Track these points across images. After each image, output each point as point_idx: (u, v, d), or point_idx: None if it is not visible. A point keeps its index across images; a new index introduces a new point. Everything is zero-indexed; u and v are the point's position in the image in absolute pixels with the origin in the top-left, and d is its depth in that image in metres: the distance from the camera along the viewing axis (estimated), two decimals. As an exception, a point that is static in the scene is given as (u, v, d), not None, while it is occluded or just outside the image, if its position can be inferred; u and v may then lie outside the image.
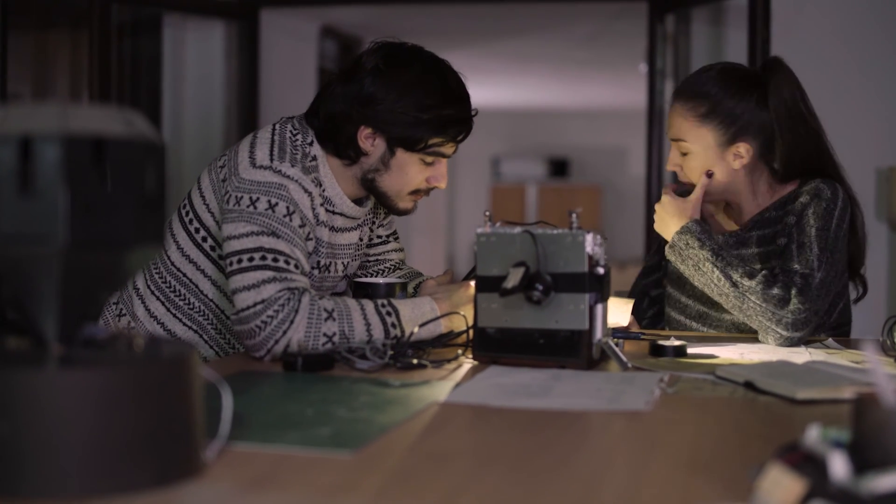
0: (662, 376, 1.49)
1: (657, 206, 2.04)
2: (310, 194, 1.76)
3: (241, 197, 1.71)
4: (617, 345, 1.61)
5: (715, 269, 1.88)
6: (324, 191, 1.82)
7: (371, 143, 1.80)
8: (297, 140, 1.81)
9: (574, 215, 1.55)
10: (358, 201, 1.90)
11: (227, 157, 1.82)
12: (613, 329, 1.87)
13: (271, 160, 1.75)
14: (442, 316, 1.71)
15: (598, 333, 1.58)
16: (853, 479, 0.77)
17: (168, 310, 1.90)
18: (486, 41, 6.78)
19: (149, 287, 1.91)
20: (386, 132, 1.79)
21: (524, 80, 8.73)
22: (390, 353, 1.56)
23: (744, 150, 1.98)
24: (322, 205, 1.82)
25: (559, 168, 10.95)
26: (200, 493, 0.88)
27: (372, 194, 1.88)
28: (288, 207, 1.71)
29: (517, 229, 1.58)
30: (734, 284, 1.86)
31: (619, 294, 2.13)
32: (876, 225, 3.64)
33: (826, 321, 2.02)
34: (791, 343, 1.83)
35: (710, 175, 2.00)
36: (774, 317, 1.82)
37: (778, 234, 1.98)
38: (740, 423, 1.24)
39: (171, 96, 4.89)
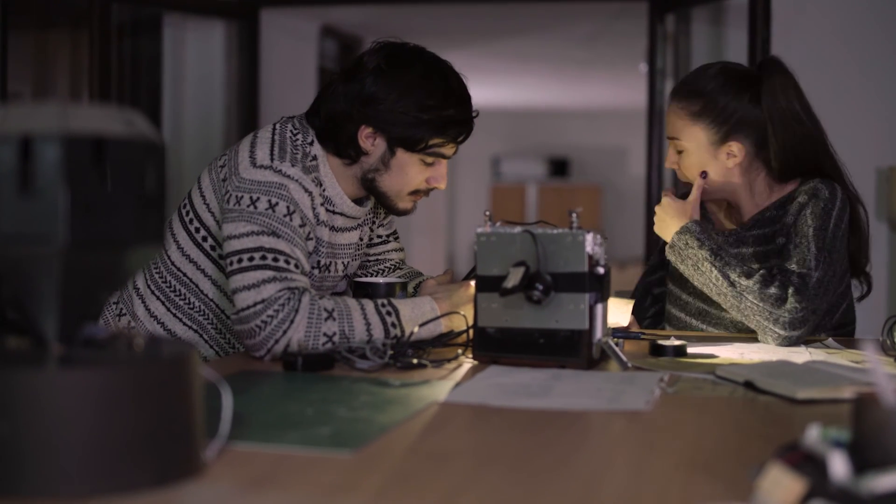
0: (662, 376, 1.49)
1: (657, 209, 2.04)
2: (310, 194, 1.76)
3: (242, 196, 1.71)
4: (617, 345, 1.61)
5: (713, 268, 1.88)
6: (324, 190, 1.82)
7: (371, 142, 1.80)
8: (298, 140, 1.82)
9: (574, 215, 1.55)
10: (358, 201, 1.90)
11: (227, 157, 1.82)
12: (613, 329, 1.87)
13: (272, 160, 1.75)
14: (442, 315, 1.71)
15: (598, 333, 1.58)
16: (853, 478, 0.77)
17: (168, 309, 1.90)
18: (486, 41, 6.78)
19: (149, 287, 1.91)
20: (386, 132, 1.79)
21: (524, 79, 8.73)
22: (390, 352, 1.56)
23: (736, 148, 1.98)
24: (322, 204, 1.82)
25: (559, 168, 10.96)
26: (200, 493, 0.88)
27: (372, 194, 1.88)
28: (288, 207, 1.71)
29: (517, 229, 1.58)
30: (732, 284, 1.86)
31: (620, 294, 2.13)
32: (876, 225, 3.63)
33: (828, 321, 2.02)
34: (790, 342, 1.83)
35: (704, 175, 2.00)
36: (772, 316, 1.82)
37: (777, 234, 1.98)
38: (740, 423, 1.24)
39: (171, 96, 4.89)
